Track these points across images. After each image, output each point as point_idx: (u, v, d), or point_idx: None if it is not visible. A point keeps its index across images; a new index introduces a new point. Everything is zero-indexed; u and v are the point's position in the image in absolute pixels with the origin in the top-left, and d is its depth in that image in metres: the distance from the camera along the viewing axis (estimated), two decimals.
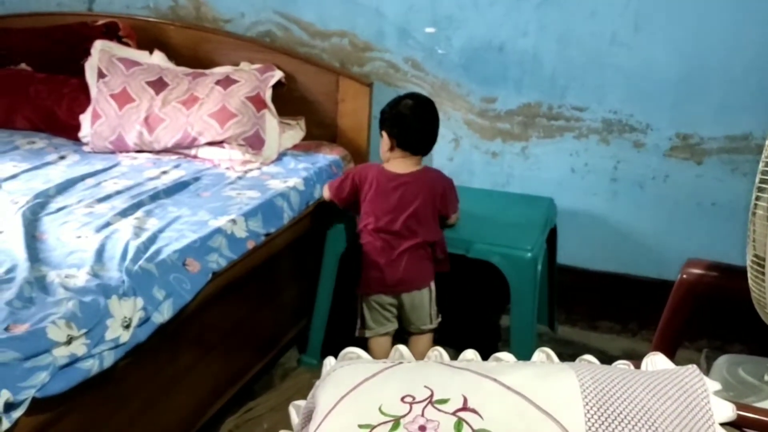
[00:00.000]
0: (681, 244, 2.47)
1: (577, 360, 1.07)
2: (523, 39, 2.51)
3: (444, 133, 2.69)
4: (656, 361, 1.04)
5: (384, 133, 2.17)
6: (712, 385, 0.94)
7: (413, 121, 2.13)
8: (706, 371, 1.64)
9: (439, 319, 2.24)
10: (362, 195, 2.18)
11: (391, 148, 2.15)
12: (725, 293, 1.60)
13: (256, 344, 2.25)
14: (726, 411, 0.91)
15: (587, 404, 0.86)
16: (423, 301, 2.18)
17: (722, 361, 1.64)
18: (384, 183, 2.15)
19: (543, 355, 1.10)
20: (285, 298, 2.37)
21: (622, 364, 1.06)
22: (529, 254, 2.15)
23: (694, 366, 0.97)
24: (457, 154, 2.72)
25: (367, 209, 2.17)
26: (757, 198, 1.24)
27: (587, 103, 2.51)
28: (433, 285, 2.20)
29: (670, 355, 1.13)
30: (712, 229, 2.46)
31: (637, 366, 1.04)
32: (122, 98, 2.53)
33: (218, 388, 2.04)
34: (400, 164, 2.16)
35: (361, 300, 2.21)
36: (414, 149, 2.16)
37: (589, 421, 0.84)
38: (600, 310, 2.69)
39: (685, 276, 1.62)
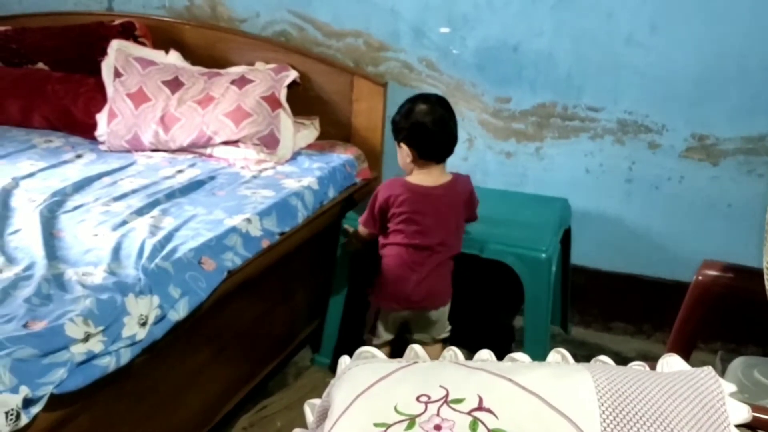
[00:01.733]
0: (696, 246, 2.46)
1: (593, 361, 1.07)
2: (538, 39, 2.51)
3: (458, 133, 2.69)
4: (671, 363, 1.03)
5: (403, 145, 2.04)
6: (728, 386, 0.94)
7: (434, 130, 2.00)
8: (721, 373, 1.63)
9: (450, 327, 2.22)
10: (390, 213, 2.06)
11: (413, 159, 2.05)
12: (741, 295, 1.59)
13: (270, 343, 2.26)
14: (741, 413, 0.90)
15: (602, 405, 0.86)
16: (443, 316, 2.17)
17: (737, 363, 1.63)
18: (416, 200, 2.03)
19: (558, 355, 1.10)
20: (299, 297, 2.38)
21: (637, 365, 1.05)
22: (544, 255, 2.14)
23: (710, 368, 0.97)
24: (471, 154, 2.72)
25: (400, 227, 2.06)
26: None
27: (602, 104, 2.50)
28: (449, 300, 2.18)
29: (685, 357, 1.13)
30: (728, 230, 2.45)
31: (653, 367, 1.04)
32: (138, 97, 2.55)
33: (232, 386, 2.05)
34: (427, 176, 2.05)
35: (376, 310, 2.17)
36: (439, 158, 2.05)
37: (604, 422, 0.85)
38: (614, 311, 2.68)
39: (700, 277, 1.61)
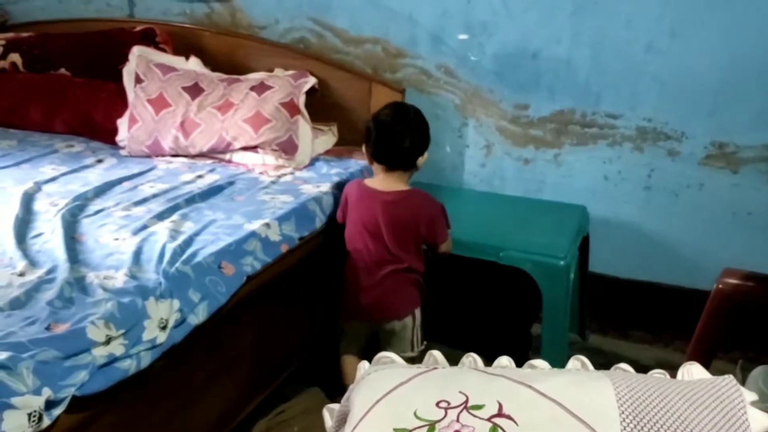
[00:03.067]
0: (716, 254, 2.44)
1: (612, 368, 1.07)
2: (557, 46, 2.50)
3: (476, 139, 2.70)
4: (692, 371, 1.03)
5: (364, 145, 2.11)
6: (749, 395, 0.94)
7: (383, 132, 2.02)
8: (742, 382, 1.62)
9: (423, 347, 2.13)
10: (348, 211, 2.13)
11: (370, 160, 2.10)
12: (762, 303, 1.58)
13: (289, 347, 2.26)
14: (763, 421, 0.90)
15: (623, 413, 0.86)
16: (404, 331, 2.09)
17: (758, 372, 1.61)
18: (360, 199, 2.08)
19: (578, 362, 1.10)
20: (318, 301, 2.38)
21: (658, 373, 1.05)
22: (562, 262, 2.14)
23: (731, 376, 0.97)
24: (489, 160, 2.72)
25: (349, 228, 2.11)
26: None
27: (621, 111, 2.50)
28: (417, 312, 2.11)
29: (705, 366, 1.12)
30: (748, 238, 2.43)
31: (673, 375, 1.04)
32: (159, 103, 2.57)
33: (250, 389, 2.06)
34: (382, 180, 2.07)
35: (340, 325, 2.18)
36: (388, 162, 2.04)
37: (624, 429, 0.85)
38: (632, 319, 2.66)
39: (721, 286, 1.60)
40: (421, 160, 2.09)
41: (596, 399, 0.89)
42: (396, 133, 2.03)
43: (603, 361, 2.33)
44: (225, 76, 2.66)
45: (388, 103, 2.18)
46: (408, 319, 2.10)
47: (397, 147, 2.03)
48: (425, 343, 2.16)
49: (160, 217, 1.99)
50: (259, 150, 2.50)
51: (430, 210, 2.07)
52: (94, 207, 2.05)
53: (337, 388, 2.16)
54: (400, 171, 2.06)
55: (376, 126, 2.04)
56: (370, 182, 2.10)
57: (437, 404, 0.91)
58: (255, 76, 2.66)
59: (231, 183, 2.33)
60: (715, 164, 2.43)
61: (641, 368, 1.16)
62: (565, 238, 2.29)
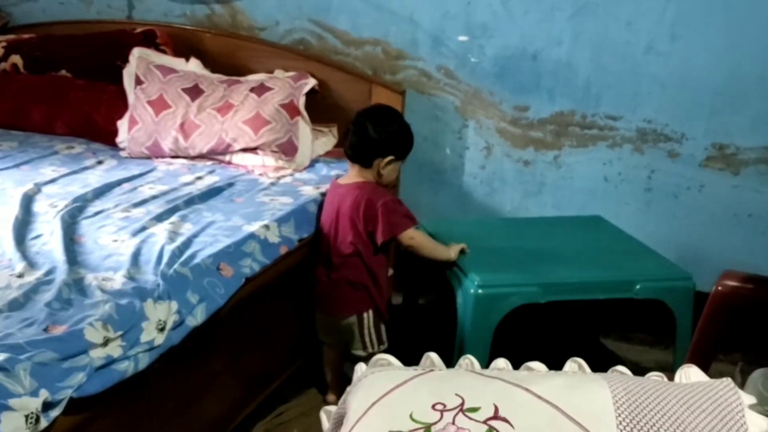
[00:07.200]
0: (716, 256, 2.44)
1: (610, 371, 1.07)
2: (557, 48, 2.50)
3: (476, 141, 2.70)
4: (690, 374, 1.03)
5: None
6: (747, 398, 0.93)
7: (350, 127, 2.08)
8: (741, 385, 1.61)
9: (379, 349, 2.09)
10: None
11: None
12: (762, 305, 1.57)
13: (287, 349, 2.26)
14: (761, 425, 0.90)
15: (620, 416, 0.86)
16: (353, 329, 2.09)
17: (757, 375, 1.61)
18: (329, 193, 2.15)
19: (575, 365, 1.09)
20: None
21: (655, 376, 1.05)
22: (691, 283, 2.04)
23: (729, 379, 0.97)
24: (488, 162, 2.72)
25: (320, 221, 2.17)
26: None
27: (621, 112, 2.49)
28: (367, 315, 2.08)
29: (704, 368, 1.12)
30: (749, 240, 2.43)
31: (671, 378, 1.03)
32: (159, 105, 2.58)
33: (249, 392, 2.06)
34: (346, 176, 2.14)
35: None
36: (347, 153, 2.09)
37: None
38: (633, 321, 2.66)
39: (720, 288, 1.60)
40: (380, 163, 2.05)
41: (593, 402, 0.89)
42: (357, 124, 2.06)
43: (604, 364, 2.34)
44: (225, 78, 2.66)
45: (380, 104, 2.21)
46: (352, 318, 2.09)
47: (354, 138, 2.06)
48: (383, 346, 2.13)
49: (159, 218, 1.99)
50: (258, 151, 2.49)
51: (367, 198, 2.02)
52: (93, 208, 2.05)
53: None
54: (358, 165, 2.08)
55: (354, 120, 2.10)
56: (343, 178, 2.16)
57: (433, 406, 0.90)
58: (255, 78, 2.66)
59: (230, 184, 2.33)
60: (716, 166, 2.43)
61: (641, 370, 1.16)
62: (657, 254, 2.18)
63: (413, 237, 2.05)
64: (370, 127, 2.04)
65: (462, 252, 2.11)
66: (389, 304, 2.27)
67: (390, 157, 2.06)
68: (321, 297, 2.14)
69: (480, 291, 1.96)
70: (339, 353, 2.20)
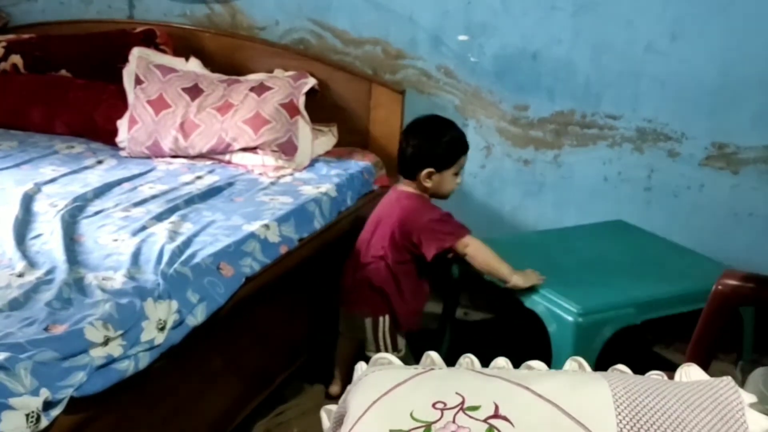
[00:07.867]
0: (716, 255, 2.43)
1: (610, 369, 1.07)
2: (557, 47, 2.50)
3: (476, 140, 2.70)
4: (690, 372, 1.03)
5: None
6: (748, 397, 0.93)
7: (400, 144, 2.12)
8: (741, 384, 1.61)
9: (398, 355, 2.02)
10: None
11: None
12: (762, 305, 1.57)
13: (287, 349, 2.26)
14: (762, 424, 0.90)
15: (620, 414, 0.86)
16: (366, 329, 2.12)
17: (758, 374, 1.61)
18: (385, 196, 2.20)
19: (575, 363, 1.09)
20: (316, 303, 2.38)
21: (655, 375, 1.05)
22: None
23: (729, 378, 0.97)
24: (488, 161, 2.72)
25: None
26: None
27: (621, 112, 2.49)
28: (383, 319, 2.10)
29: (704, 367, 1.12)
30: (749, 239, 2.43)
31: (671, 377, 1.03)
32: (158, 104, 2.58)
33: (249, 391, 2.06)
34: (403, 182, 2.16)
35: None
36: (400, 171, 2.15)
37: (621, 431, 0.84)
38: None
39: (720, 287, 1.60)
40: (422, 175, 2.06)
41: (593, 401, 0.89)
42: (402, 140, 2.13)
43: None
44: (225, 77, 2.66)
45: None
46: (368, 321, 2.11)
47: (404, 156, 2.11)
48: (398, 353, 2.11)
49: (159, 218, 1.99)
50: (258, 151, 2.49)
51: (413, 213, 2.05)
52: (93, 208, 2.05)
53: None
54: (410, 180, 2.11)
55: (402, 136, 2.15)
56: (399, 184, 2.19)
57: (433, 405, 0.90)
58: (255, 77, 2.66)
59: (230, 184, 2.33)
60: (716, 165, 2.43)
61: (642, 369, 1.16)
62: (703, 256, 2.17)
63: (468, 244, 2.04)
64: (405, 141, 2.10)
65: (531, 281, 1.97)
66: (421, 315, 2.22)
67: (429, 170, 2.06)
68: (344, 292, 2.18)
69: (580, 319, 1.82)
70: (353, 348, 2.21)
